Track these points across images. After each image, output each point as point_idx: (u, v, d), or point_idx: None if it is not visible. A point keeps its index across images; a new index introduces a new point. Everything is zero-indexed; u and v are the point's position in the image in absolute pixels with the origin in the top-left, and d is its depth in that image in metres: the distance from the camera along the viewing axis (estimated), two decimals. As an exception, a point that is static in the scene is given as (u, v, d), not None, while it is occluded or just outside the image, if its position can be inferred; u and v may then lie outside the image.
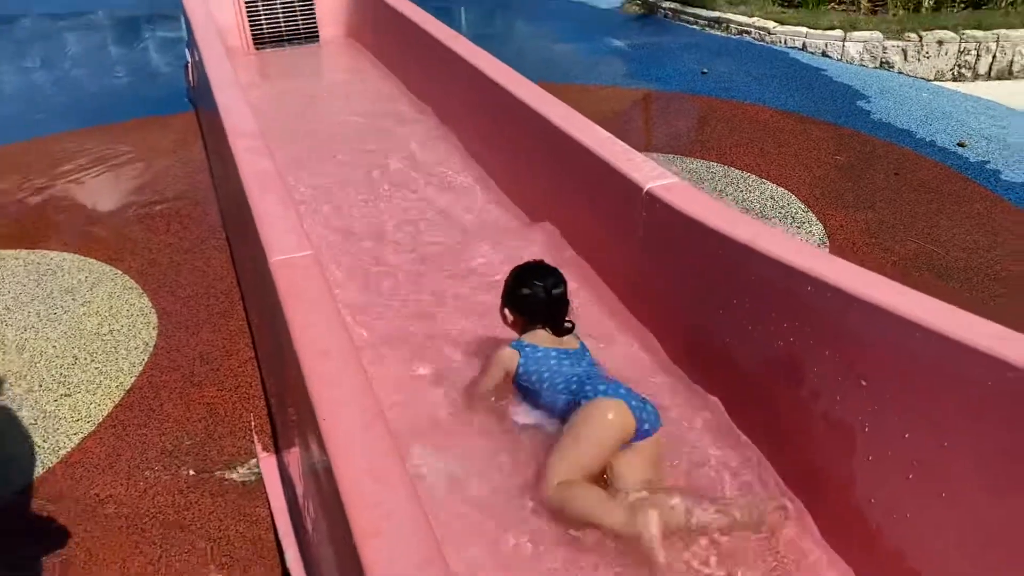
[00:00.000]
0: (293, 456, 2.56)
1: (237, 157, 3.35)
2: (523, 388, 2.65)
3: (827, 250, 3.94)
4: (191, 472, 2.79)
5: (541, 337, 2.73)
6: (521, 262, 2.87)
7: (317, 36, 7.17)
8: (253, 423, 2.97)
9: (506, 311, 2.82)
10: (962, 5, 7.14)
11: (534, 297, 2.73)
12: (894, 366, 2.08)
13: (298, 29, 7.13)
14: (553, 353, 2.66)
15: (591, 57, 7.08)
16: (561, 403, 2.52)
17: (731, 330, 2.64)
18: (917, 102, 5.65)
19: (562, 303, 2.74)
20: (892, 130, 5.21)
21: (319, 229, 3.95)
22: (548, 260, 2.89)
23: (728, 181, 4.65)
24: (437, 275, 3.56)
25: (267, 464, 2.81)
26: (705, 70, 6.37)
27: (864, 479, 2.16)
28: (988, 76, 6.69)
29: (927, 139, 5.05)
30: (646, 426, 2.39)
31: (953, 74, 6.68)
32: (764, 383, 2.52)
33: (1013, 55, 6.63)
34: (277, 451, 2.86)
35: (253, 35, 7.06)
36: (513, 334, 2.81)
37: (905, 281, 3.78)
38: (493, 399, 2.72)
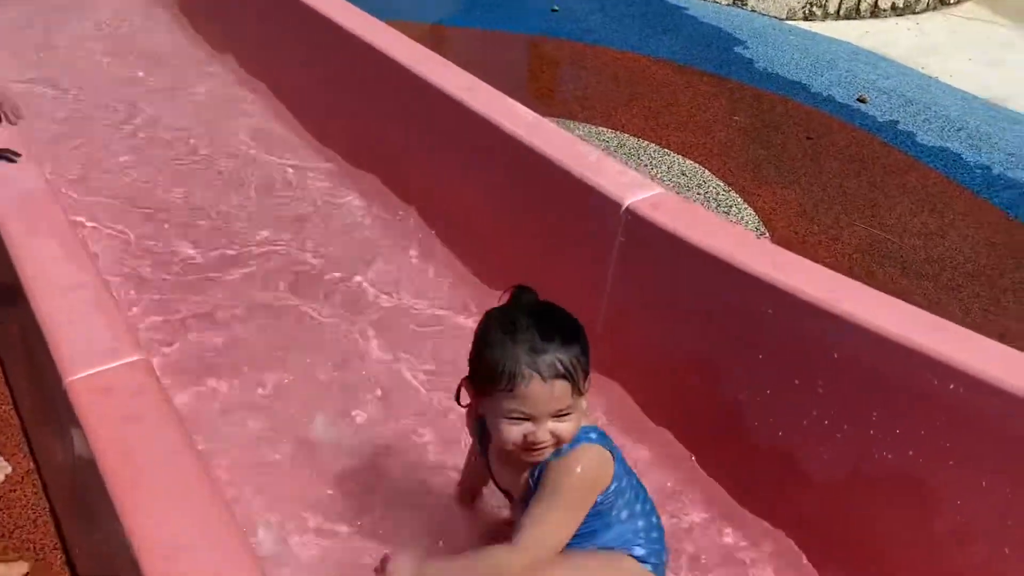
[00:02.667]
0: None
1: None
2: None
3: (767, 240, 3.29)
4: None
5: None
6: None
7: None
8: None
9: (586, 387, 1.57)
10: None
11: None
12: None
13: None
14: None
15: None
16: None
17: (779, 414, 1.86)
18: (796, 48, 5.11)
19: None
20: (782, 82, 4.62)
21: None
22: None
23: (626, 152, 3.86)
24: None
25: None
26: (556, 7, 5.49)
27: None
28: (837, 16, 6.33)
29: (823, 93, 4.51)
30: None
31: (804, 12, 6.25)
32: (847, 500, 1.78)
33: (860, -7, 6.30)
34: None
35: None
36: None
37: (871, 281, 3.25)
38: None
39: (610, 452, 1.59)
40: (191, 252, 2.84)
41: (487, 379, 1.51)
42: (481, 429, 1.68)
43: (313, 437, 2.14)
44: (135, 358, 1.57)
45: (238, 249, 2.86)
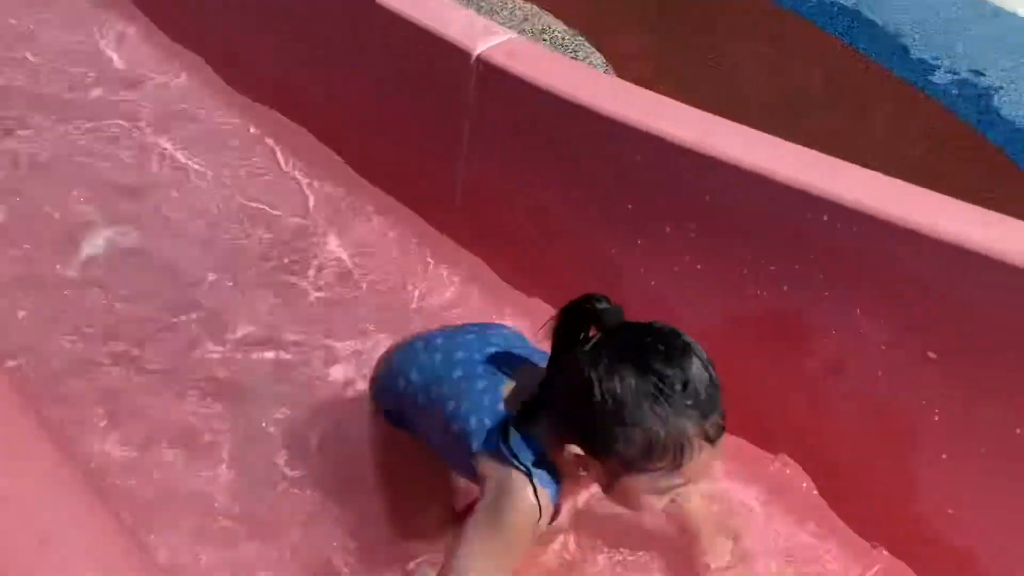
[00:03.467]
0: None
1: None
2: None
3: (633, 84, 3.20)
4: None
5: None
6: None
7: None
8: None
9: None
10: None
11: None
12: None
13: None
14: None
15: None
16: None
17: (665, 271, 1.82)
18: None
19: None
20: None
21: None
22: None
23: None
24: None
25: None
26: None
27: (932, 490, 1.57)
28: None
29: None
30: None
31: None
32: (722, 343, 1.78)
33: None
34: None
35: None
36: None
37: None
38: None
39: None
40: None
41: (640, 458, 1.21)
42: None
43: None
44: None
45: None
